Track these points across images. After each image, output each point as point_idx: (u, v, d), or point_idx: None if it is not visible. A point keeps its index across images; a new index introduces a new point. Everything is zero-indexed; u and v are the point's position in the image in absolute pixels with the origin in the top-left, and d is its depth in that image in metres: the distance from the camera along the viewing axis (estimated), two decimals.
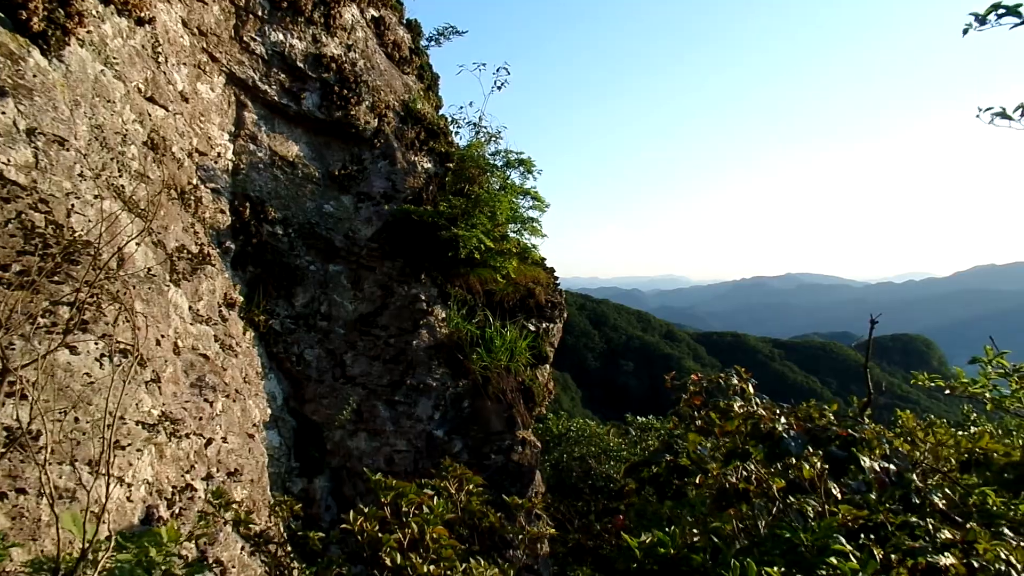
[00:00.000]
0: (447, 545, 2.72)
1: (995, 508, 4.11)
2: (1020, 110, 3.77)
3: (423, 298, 6.96)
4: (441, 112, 8.48)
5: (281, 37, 6.29)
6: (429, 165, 7.69)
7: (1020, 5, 3.80)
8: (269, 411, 5.73)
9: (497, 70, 8.02)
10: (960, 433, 5.09)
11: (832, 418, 3.54)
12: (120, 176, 3.88)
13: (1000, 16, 3.85)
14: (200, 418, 3.97)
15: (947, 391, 4.58)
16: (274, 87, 6.28)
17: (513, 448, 6.79)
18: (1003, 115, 3.84)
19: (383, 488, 2.96)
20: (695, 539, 3.17)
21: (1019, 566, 3.42)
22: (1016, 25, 3.88)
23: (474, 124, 7.98)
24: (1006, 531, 3.46)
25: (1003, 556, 3.43)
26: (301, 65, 6.45)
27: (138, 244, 3.85)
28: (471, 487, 3.43)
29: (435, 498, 3.01)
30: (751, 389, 4.04)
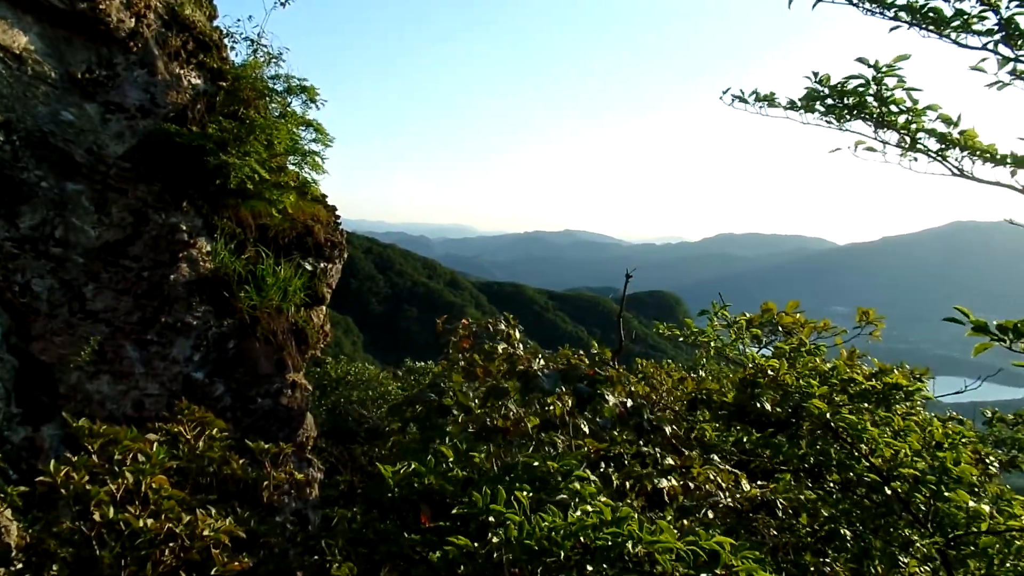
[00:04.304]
0: (169, 495, 2.51)
1: (710, 440, 4.90)
2: (754, 95, 4.30)
3: (184, 228, 6.29)
4: (215, 24, 7.59)
5: None
6: (198, 81, 6.88)
7: None
8: None
9: None
10: (690, 376, 5.92)
11: (585, 361, 3.88)
12: None
13: None
14: None
15: (681, 339, 5.26)
16: None
17: (282, 391, 6.52)
18: (741, 99, 4.35)
19: (88, 436, 2.63)
20: (452, 470, 3.32)
21: (723, 484, 4.15)
22: None
23: (252, 41, 7.25)
24: (715, 457, 4.13)
25: (711, 478, 4.14)
26: None
27: None
28: (213, 432, 3.20)
29: (154, 445, 2.75)
30: (517, 335, 4.27)
